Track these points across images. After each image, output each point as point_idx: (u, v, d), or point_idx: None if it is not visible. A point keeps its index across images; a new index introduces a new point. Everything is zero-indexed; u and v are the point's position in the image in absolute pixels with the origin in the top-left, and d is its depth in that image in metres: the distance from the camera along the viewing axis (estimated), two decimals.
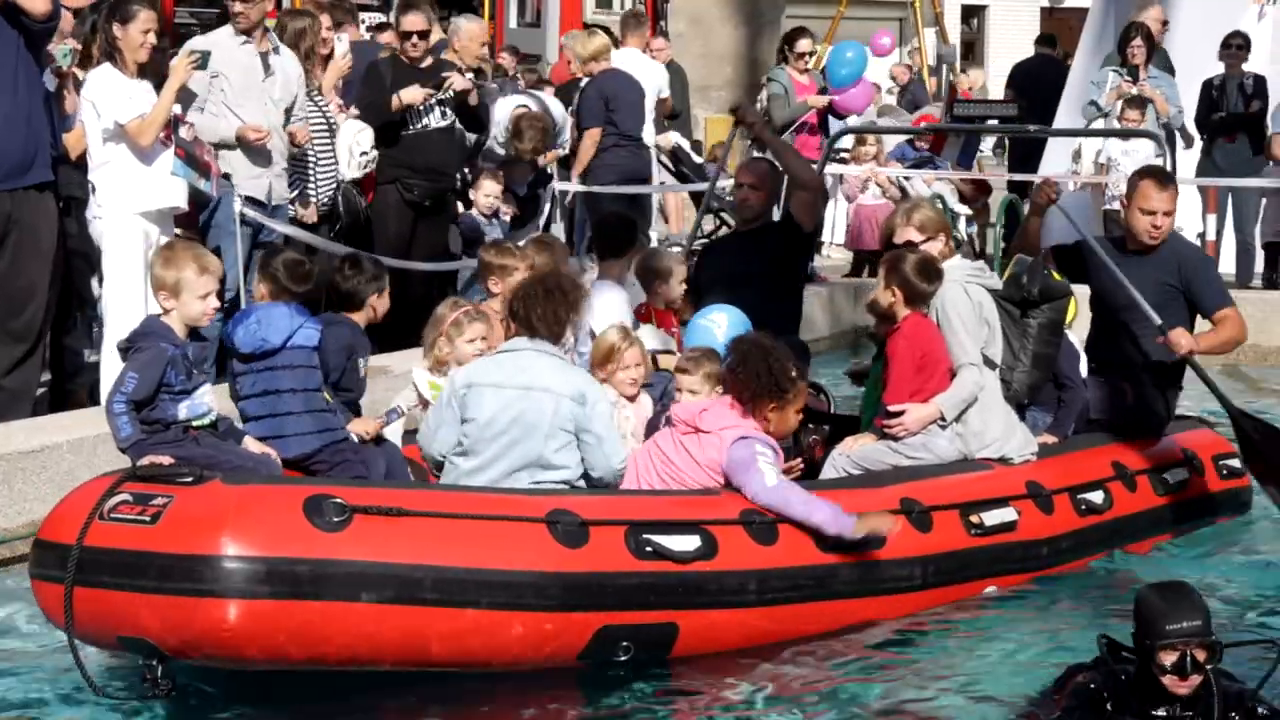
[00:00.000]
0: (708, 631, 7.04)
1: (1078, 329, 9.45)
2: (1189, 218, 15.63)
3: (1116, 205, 14.79)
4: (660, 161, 17.88)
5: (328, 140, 11.85)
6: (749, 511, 7.20)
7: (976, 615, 7.78)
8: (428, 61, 12.39)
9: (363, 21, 16.34)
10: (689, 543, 6.97)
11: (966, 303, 8.47)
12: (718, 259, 10.14)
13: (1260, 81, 15.97)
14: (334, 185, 11.91)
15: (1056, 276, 8.89)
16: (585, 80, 14.90)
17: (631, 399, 8.08)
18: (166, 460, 6.73)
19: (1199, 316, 9.38)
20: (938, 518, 7.77)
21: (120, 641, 6.57)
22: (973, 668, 7.18)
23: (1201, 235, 14.80)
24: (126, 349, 7.07)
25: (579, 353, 8.31)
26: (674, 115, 17.81)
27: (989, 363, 8.52)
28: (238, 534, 6.36)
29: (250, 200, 10.79)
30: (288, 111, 11.13)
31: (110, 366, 9.75)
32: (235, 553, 6.33)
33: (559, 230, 15.47)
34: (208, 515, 6.42)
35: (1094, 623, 7.32)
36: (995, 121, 11.75)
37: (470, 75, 12.77)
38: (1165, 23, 16.56)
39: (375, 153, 12.18)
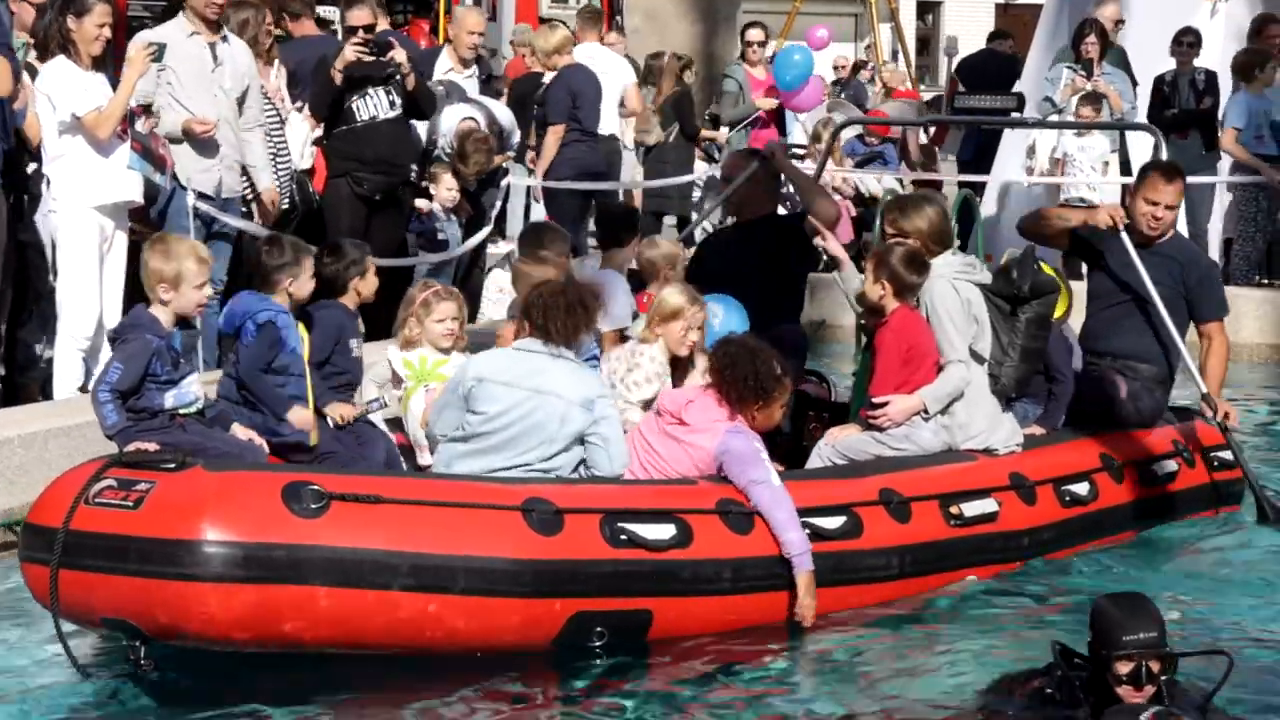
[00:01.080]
0: (682, 618, 7.17)
1: (1071, 322, 9.54)
2: None
3: (1074, 199, 14.93)
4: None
5: (282, 132, 11.88)
6: (725, 501, 7.32)
7: (935, 614, 7.87)
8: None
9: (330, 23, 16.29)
10: (664, 531, 7.10)
11: (955, 299, 8.57)
12: (716, 251, 10.24)
13: (1212, 77, 15.85)
14: (291, 176, 11.96)
15: (1047, 271, 8.97)
16: (550, 75, 14.90)
17: (679, 362, 8.30)
18: (152, 447, 6.89)
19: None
20: (916, 508, 7.87)
21: (104, 623, 6.73)
22: (925, 664, 7.26)
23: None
24: (114, 339, 7.24)
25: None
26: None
27: (977, 357, 8.62)
28: (217, 519, 6.51)
29: (200, 194, 10.75)
30: (240, 102, 11.09)
31: (65, 360, 9.90)
32: (214, 538, 6.48)
33: (515, 225, 15.60)
34: (189, 501, 6.57)
35: (1048, 625, 7.39)
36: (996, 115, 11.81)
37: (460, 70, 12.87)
38: (1121, 21, 16.40)
39: (316, 133, 12.28)
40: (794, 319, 9.97)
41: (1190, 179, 15.11)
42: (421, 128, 12.81)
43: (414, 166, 12.56)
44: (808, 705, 6.75)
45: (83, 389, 9.62)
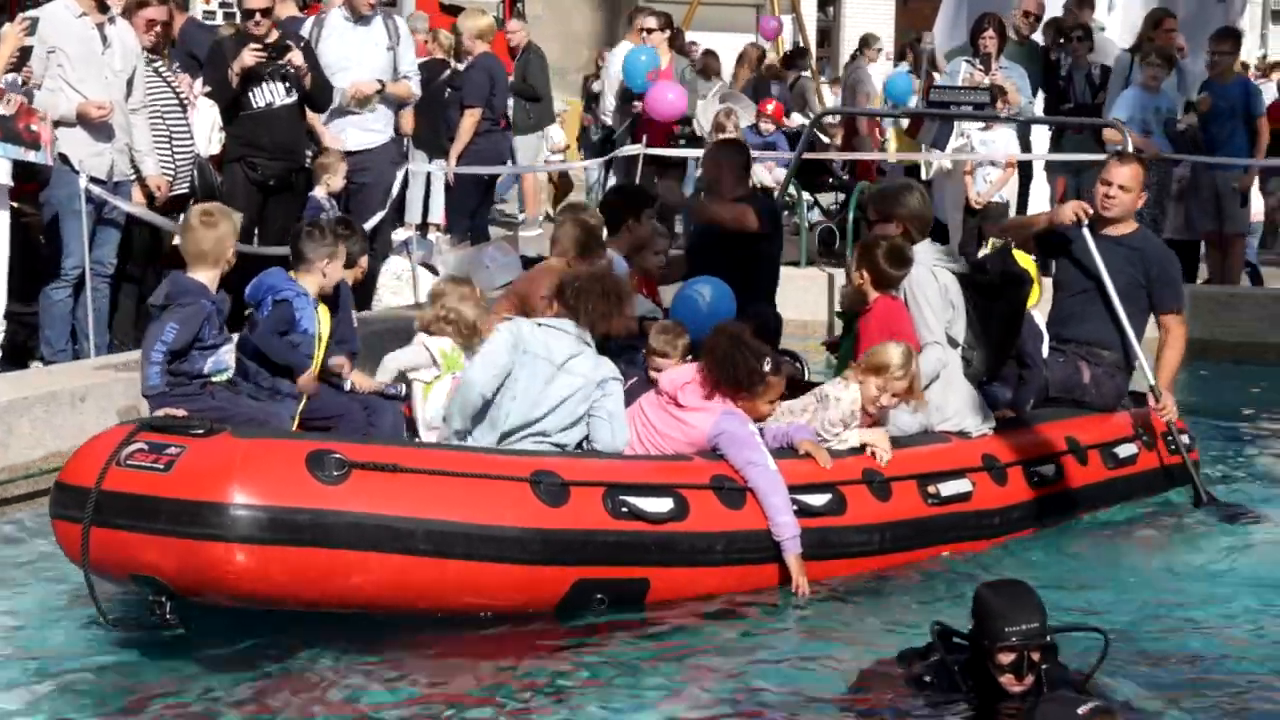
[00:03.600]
0: (677, 587, 7.59)
1: (1041, 309, 9.97)
2: (1040, 208, 15.65)
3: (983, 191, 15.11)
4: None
5: (181, 116, 11.83)
6: (719, 477, 7.73)
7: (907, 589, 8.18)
8: (272, 37, 12.12)
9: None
10: (662, 504, 7.51)
11: (933, 284, 8.99)
12: (691, 234, 10.68)
13: (1107, 72, 15.90)
14: (192, 161, 11.91)
15: (1022, 261, 9.40)
16: (469, 59, 15.07)
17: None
18: (180, 413, 7.25)
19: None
20: (896, 487, 8.29)
21: (132, 579, 7.09)
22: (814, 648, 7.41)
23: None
24: (163, 306, 7.60)
25: None
26: (535, 98, 18.17)
27: (952, 341, 9.04)
28: (245, 483, 6.88)
29: (92, 178, 10.73)
30: (129, 82, 11.07)
31: None
32: (242, 500, 6.85)
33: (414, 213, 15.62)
34: (218, 465, 6.94)
35: (932, 608, 7.56)
36: (968, 108, 12.15)
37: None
38: (1028, 14, 16.22)
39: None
40: (768, 299, 10.40)
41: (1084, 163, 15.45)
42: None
43: (309, 152, 12.57)
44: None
45: None
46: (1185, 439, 9.98)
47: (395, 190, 13.54)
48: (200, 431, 7.09)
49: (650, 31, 17.55)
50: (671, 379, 8.15)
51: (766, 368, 8.01)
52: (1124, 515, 9.60)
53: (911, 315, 8.92)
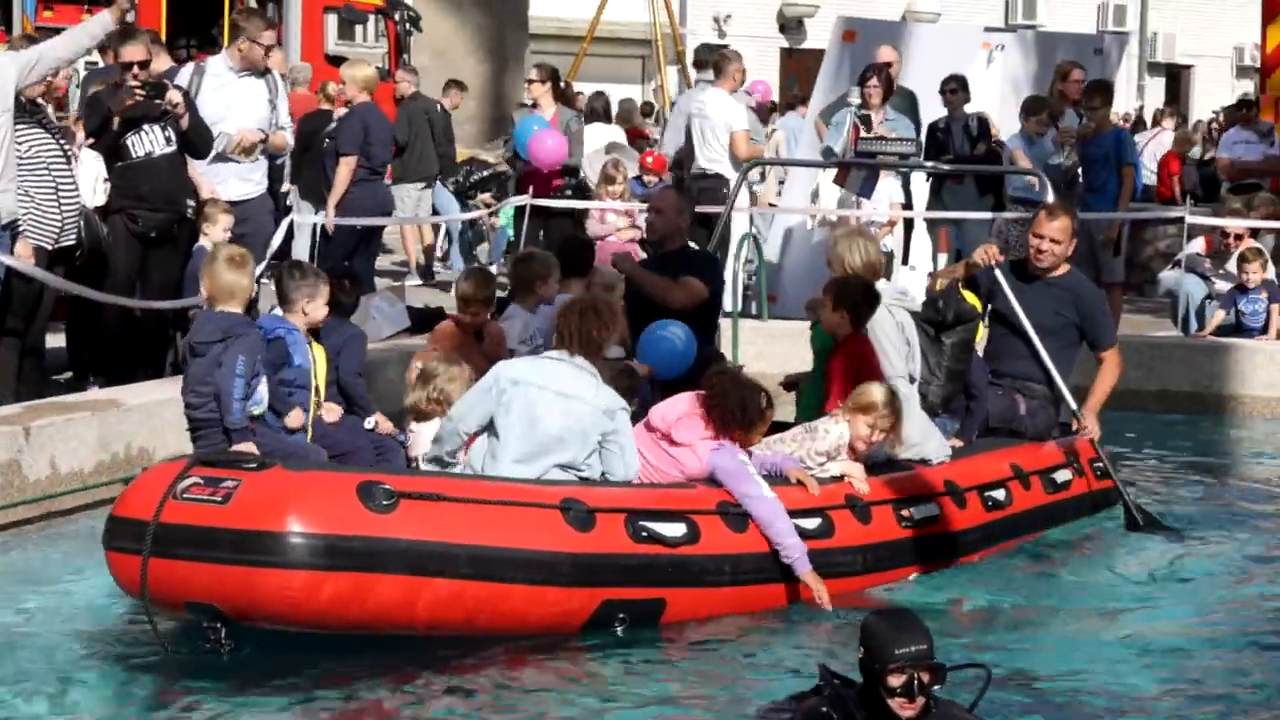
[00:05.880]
0: (689, 607, 8.14)
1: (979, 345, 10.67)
2: (922, 258, 16.55)
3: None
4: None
5: (66, 168, 11.66)
6: (724, 503, 8.31)
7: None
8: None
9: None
10: (677, 529, 8.07)
11: (893, 323, 9.66)
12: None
13: (984, 123, 16.37)
14: (79, 212, 11.77)
15: (970, 300, 10.10)
16: (345, 108, 15.22)
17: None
18: (250, 447, 7.70)
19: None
20: (876, 512, 8.91)
21: (188, 606, 7.49)
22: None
23: (933, 274, 14.08)
24: (206, 343, 8.05)
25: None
26: (401, 150, 18.68)
27: (910, 377, 9.70)
28: (301, 513, 7.33)
29: None
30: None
31: None
32: (299, 529, 7.30)
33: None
34: (274, 496, 7.39)
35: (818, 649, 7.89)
36: (895, 158, 12.80)
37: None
38: (890, 63, 16.57)
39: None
40: (711, 340, 11.01)
41: (967, 216, 16.13)
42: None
43: (190, 203, 12.44)
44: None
45: None
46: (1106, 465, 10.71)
47: (277, 241, 13.53)
48: (253, 466, 7.53)
49: (532, 83, 18.04)
50: (664, 415, 8.68)
51: (763, 402, 8.59)
52: (1063, 536, 10.26)
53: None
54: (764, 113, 21.51)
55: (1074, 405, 10.60)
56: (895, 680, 5.83)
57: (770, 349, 13.72)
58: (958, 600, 9.01)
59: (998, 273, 10.61)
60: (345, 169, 14.69)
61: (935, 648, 5.93)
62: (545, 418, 8.22)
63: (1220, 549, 10.04)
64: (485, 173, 21.54)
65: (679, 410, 8.67)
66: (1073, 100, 16.47)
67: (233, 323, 8.31)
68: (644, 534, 7.96)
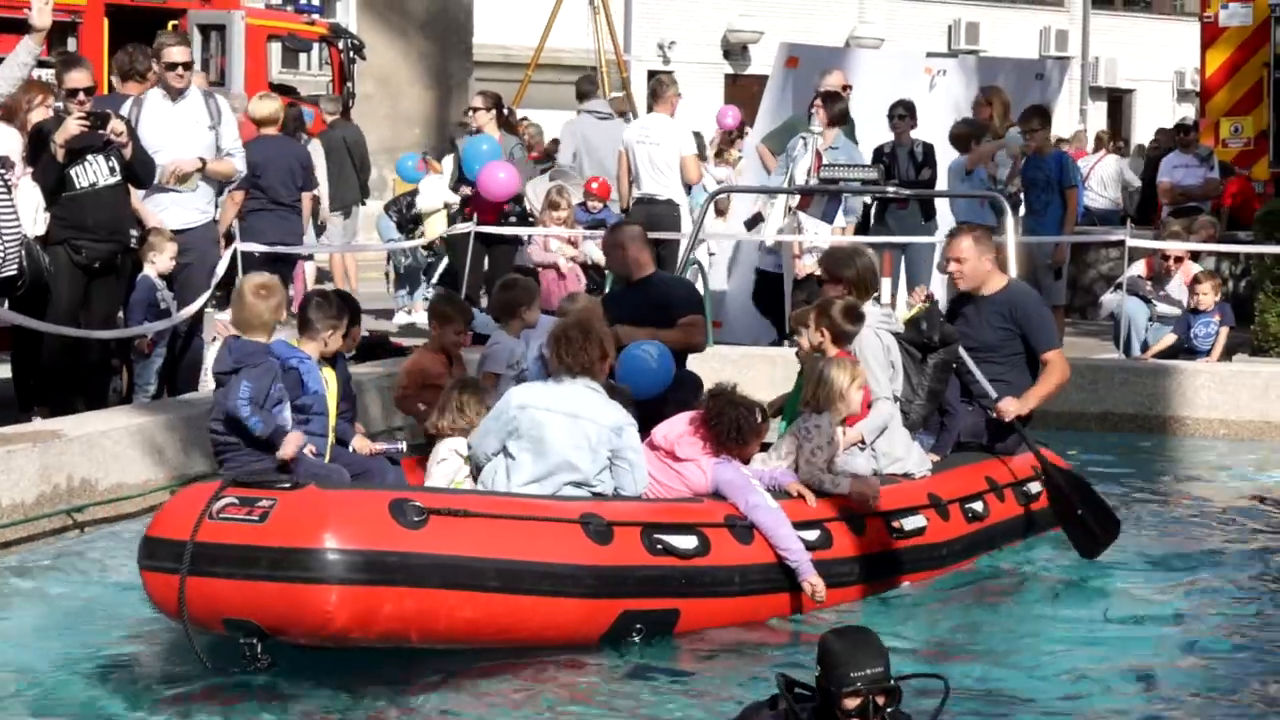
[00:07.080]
0: (702, 616, 8.47)
1: None
2: None
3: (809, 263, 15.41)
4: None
5: (6, 198, 11.57)
6: (731, 516, 8.65)
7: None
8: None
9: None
10: (690, 541, 8.40)
11: (878, 345, 10.03)
12: (616, 306, 11.32)
13: (929, 149, 16.50)
14: (20, 242, 11.60)
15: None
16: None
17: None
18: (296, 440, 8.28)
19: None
20: (869, 523, 9.28)
21: (226, 623, 7.74)
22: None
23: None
24: (231, 371, 8.32)
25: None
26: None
27: (893, 396, 10.08)
28: (337, 530, 7.61)
29: None
30: None
31: None
32: (335, 545, 7.58)
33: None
34: (310, 515, 7.66)
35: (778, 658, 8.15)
36: (857, 184, 13.15)
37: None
38: (847, 87, 16.98)
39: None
40: (683, 363, 11.34)
41: (910, 239, 16.42)
42: None
43: (134, 233, 12.48)
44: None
45: None
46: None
47: (221, 269, 13.56)
48: (287, 485, 7.80)
49: (476, 110, 18.26)
50: (665, 434, 9.02)
51: (758, 418, 8.94)
52: (1022, 553, 10.61)
53: None
54: (732, 139, 21.90)
55: (993, 394, 10.77)
56: (850, 702, 5.82)
57: (719, 375, 13.89)
58: (916, 614, 9.29)
59: (938, 306, 11.01)
60: (230, 205, 14.50)
61: (892, 668, 5.90)
62: (553, 439, 8.55)
63: (1168, 572, 10.25)
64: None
65: (680, 429, 9.01)
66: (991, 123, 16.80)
67: (247, 352, 8.56)
68: (659, 546, 8.29)
